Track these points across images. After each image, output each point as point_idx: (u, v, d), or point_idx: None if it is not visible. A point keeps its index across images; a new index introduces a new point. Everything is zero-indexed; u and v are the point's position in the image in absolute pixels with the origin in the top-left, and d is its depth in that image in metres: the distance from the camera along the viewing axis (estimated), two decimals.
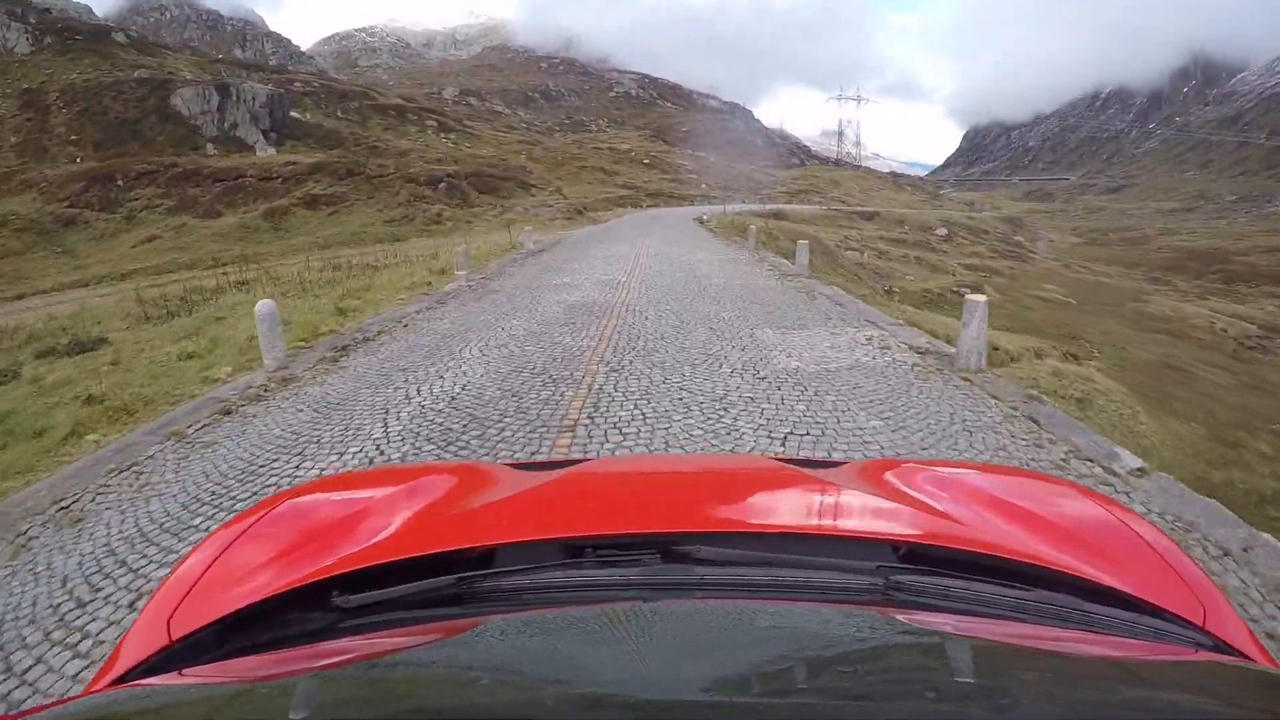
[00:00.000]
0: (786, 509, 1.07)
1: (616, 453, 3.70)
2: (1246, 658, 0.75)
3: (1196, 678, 0.61)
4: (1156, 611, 0.77)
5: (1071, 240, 54.84)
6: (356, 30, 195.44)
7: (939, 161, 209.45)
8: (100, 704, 0.59)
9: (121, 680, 0.76)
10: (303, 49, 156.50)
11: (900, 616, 0.71)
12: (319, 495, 1.20)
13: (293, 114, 47.50)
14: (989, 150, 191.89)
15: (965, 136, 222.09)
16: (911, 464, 1.24)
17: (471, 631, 0.67)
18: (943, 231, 38.60)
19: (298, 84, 58.54)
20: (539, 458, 3.59)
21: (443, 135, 57.76)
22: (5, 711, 2.00)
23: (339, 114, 54.02)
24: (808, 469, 1.28)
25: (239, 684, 0.64)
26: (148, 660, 0.78)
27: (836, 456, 3.56)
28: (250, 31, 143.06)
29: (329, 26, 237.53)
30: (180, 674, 0.68)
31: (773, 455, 3.48)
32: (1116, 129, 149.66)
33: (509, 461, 2.83)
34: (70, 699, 0.61)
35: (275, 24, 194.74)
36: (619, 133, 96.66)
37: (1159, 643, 0.72)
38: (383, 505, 1.05)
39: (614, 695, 0.48)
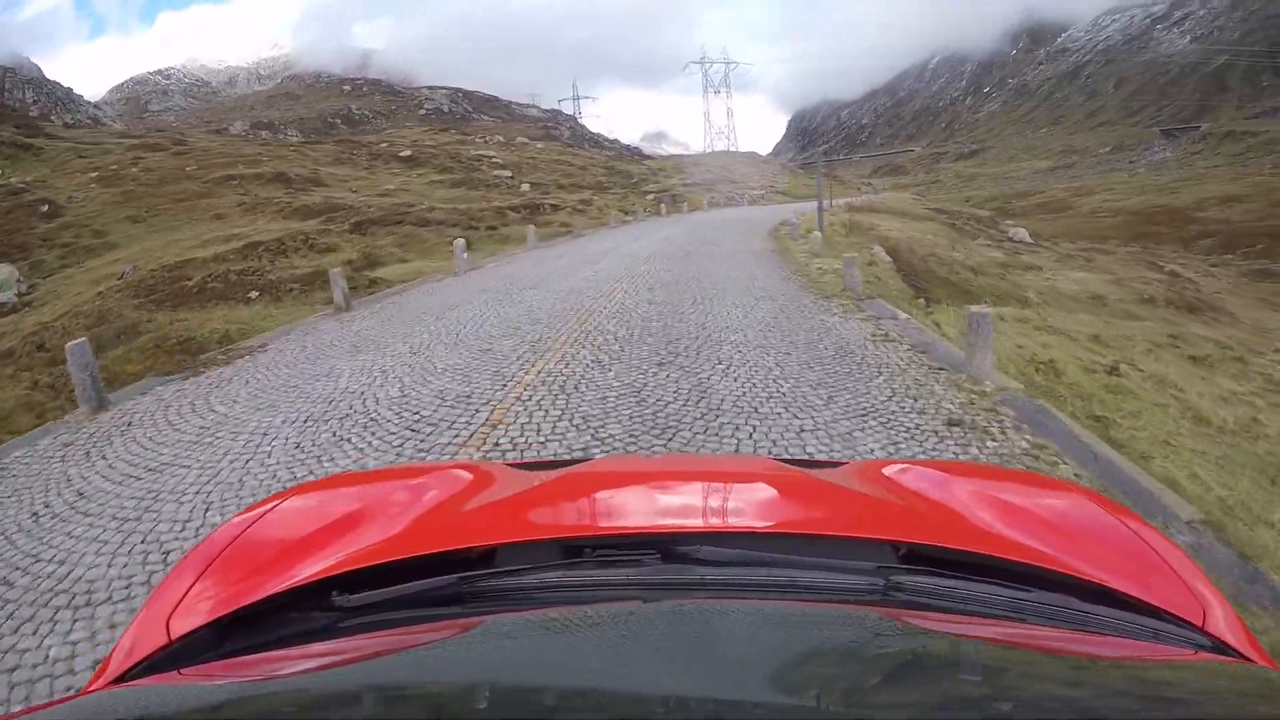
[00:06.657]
0: (787, 509, 1.07)
1: None
2: (1246, 659, 0.74)
3: (1195, 678, 0.61)
4: (1155, 612, 0.75)
5: (981, 213, 41.22)
6: (152, 74, 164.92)
7: (768, 150, 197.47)
8: (99, 703, 0.58)
9: (121, 679, 0.74)
10: (88, 98, 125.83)
11: (900, 617, 0.69)
12: (319, 495, 1.19)
13: None
14: (820, 132, 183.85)
15: (792, 121, 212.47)
16: (911, 464, 1.24)
17: (472, 631, 0.66)
18: (1023, 234, 27.89)
19: None
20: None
21: None
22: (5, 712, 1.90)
23: None
24: (808, 469, 1.28)
25: (239, 683, 0.62)
26: (147, 659, 0.75)
27: None
28: (10, 79, 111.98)
29: (125, 72, 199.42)
30: (180, 673, 0.66)
31: (773, 456, 3.37)
32: (952, 96, 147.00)
33: (510, 461, 2.83)
34: (69, 698, 0.59)
35: (55, 72, 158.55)
36: (396, 131, 71.74)
37: (1158, 643, 0.71)
38: (384, 505, 1.04)
39: (614, 695, 0.48)
